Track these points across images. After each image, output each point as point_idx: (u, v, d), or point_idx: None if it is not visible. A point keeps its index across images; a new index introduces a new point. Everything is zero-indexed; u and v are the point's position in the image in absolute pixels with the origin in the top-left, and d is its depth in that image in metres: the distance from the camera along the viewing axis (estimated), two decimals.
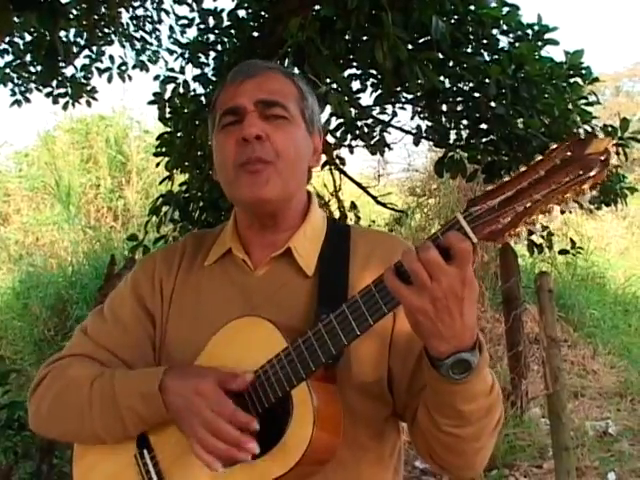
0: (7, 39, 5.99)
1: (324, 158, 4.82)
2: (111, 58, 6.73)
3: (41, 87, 6.52)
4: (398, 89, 4.40)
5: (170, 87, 4.80)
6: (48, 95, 6.52)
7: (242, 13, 4.79)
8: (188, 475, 1.69)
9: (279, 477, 1.57)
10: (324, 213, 1.97)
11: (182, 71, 4.86)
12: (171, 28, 6.64)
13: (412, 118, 4.76)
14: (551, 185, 1.33)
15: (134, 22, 6.90)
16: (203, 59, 4.82)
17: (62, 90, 6.47)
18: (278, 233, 1.84)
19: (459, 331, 1.44)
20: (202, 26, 5.08)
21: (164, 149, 4.95)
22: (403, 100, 4.65)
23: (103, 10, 6.08)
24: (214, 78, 4.70)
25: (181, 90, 4.78)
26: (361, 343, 1.63)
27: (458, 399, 1.53)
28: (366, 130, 4.96)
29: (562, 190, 1.33)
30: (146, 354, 1.89)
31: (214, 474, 1.62)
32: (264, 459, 1.59)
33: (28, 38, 6.07)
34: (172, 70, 4.95)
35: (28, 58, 6.30)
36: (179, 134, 4.79)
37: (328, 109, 4.06)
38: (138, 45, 6.94)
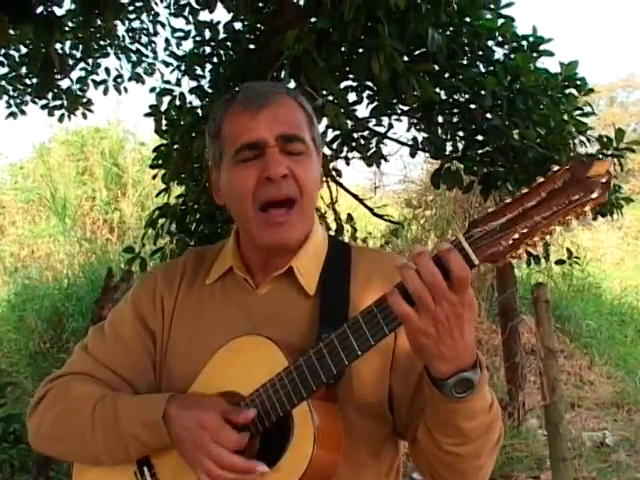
0: (3, 51, 6.00)
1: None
2: (107, 70, 6.75)
3: (37, 99, 6.54)
4: (394, 101, 4.41)
5: (166, 99, 4.80)
6: (44, 107, 6.53)
7: (238, 25, 4.80)
8: None
9: None
10: (325, 231, 1.96)
11: (178, 83, 4.85)
12: (167, 40, 6.66)
13: (408, 130, 4.78)
14: (552, 207, 1.34)
15: (130, 34, 6.91)
16: (199, 71, 4.82)
17: (58, 102, 6.48)
18: (282, 256, 1.81)
19: (461, 351, 1.46)
20: (198, 38, 5.09)
21: (160, 161, 4.94)
22: (399, 112, 4.66)
23: (99, 22, 6.08)
24: (210, 90, 4.70)
25: (177, 102, 4.78)
26: (362, 362, 1.62)
27: (459, 417, 1.54)
28: (362, 142, 4.97)
29: (563, 212, 1.34)
30: (146, 372, 1.89)
31: None
32: (265, 477, 1.59)
33: (24, 50, 6.08)
34: (168, 82, 4.96)
35: (24, 70, 6.31)
36: (175, 146, 4.78)
37: (324, 121, 4.06)
38: (134, 57, 6.96)
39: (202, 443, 1.60)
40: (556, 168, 1.37)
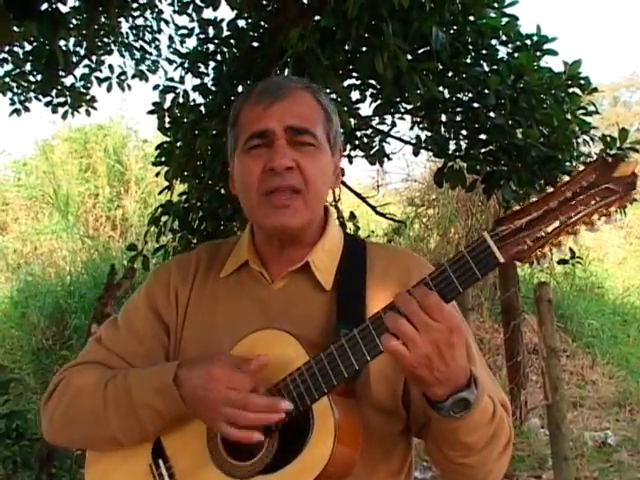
0: (7, 48, 6.00)
1: None
2: (110, 68, 6.74)
3: (40, 96, 6.53)
4: (397, 99, 4.41)
5: (169, 97, 4.81)
6: (47, 104, 6.53)
7: (242, 23, 4.79)
8: None
9: None
10: (341, 228, 1.97)
11: (182, 81, 4.86)
12: (171, 38, 6.66)
13: (411, 128, 4.77)
14: (577, 207, 1.35)
15: (134, 32, 6.91)
16: (203, 69, 4.82)
17: (61, 99, 6.48)
18: (297, 249, 1.82)
19: (454, 374, 1.49)
20: (202, 36, 5.09)
21: (163, 159, 4.94)
22: (402, 110, 4.65)
23: (103, 20, 6.08)
24: (214, 88, 4.70)
25: (180, 100, 4.78)
26: (376, 360, 1.62)
27: (461, 433, 1.57)
28: (365, 140, 4.97)
29: (589, 212, 1.35)
30: (159, 363, 1.88)
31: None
32: (283, 472, 1.59)
33: (28, 47, 6.07)
34: (172, 80, 4.96)
35: (28, 67, 6.30)
36: (178, 144, 4.78)
37: None
38: (138, 55, 6.95)
39: (217, 393, 1.60)
40: (582, 167, 1.37)
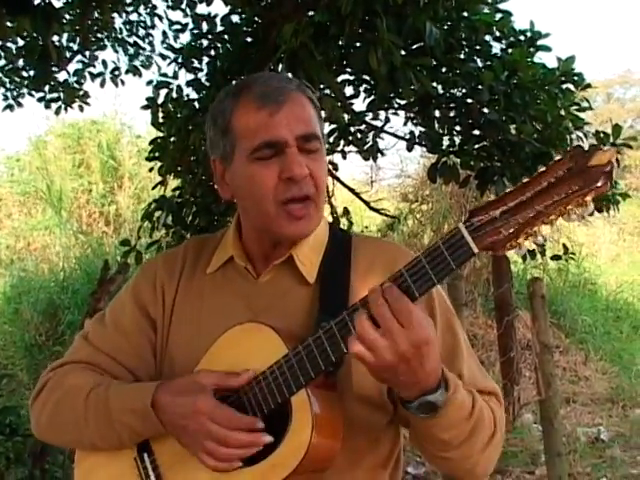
0: (0, 43, 5.98)
1: None
2: (104, 63, 6.72)
3: (33, 92, 6.51)
4: (391, 95, 4.40)
5: (163, 92, 4.81)
6: (40, 100, 6.51)
7: (236, 18, 4.78)
8: (186, 476, 1.70)
9: None
10: (326, 220, 1.96)
11: (175, 76, 4.85)
12: (164, 33, 6.64)
13: (405, 124, 4.76)
14: (553, 197, 1.33)
15: (127, 27, 6.88)
16: (196, 64, 4.81)
17: (54, 95, 6.46)
18: (285, 246, 1.83)
19: (421, 379, 1.50)
20: (195, 31, 5.07)
21: (157, 154, 4.94)
22: (396, 106, 4.65)
23: (96, 15, 6.07)
24: (207, 83, 4.69)
25: (174, 95, 4.77)
26: None
27: (436, 430, 1.59)
28: (359, 136, 4.96)
29: (565, 202, 1.33)
30: (147, 360, 1.90)
31: (208, 478, 1.64)
32: (261, 465, 1.60)
33: (21, 43, 6.05)
34: (165, 75, 4.94)
35: (21, 63, 6.28)
36: (172, 139, 4.78)
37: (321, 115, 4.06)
38: (131, 50, 6.93)
39: (201, 426, 1.61)
40: (557, 157, 1.36)
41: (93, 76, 6.63)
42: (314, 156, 1.76)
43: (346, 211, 5.57)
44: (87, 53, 6.57)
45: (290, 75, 1.96)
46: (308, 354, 1.58)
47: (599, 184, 1.30)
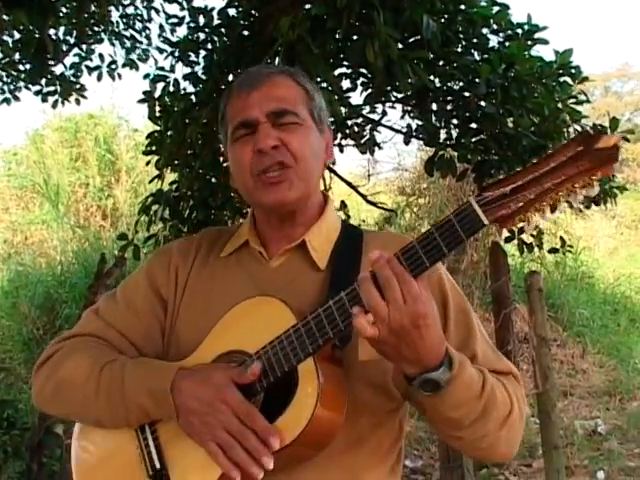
0: None
1: None
2: (101, 56, 6.71)
3: (30, 85, 6.50)
4: (388, 88, 4.39)
5: (160, 86, 4.79)
6: (37, 93, 6.50)
7: (232, 12, 4.77)
8: (186, 451, 1.70)
9: (276, 452, 1.58)
10: (338, 215, 2.03)
11: (172, 70, 4.84)
12: (161, 26, 6.63)
13: (402, 117, 4.76)
14: (561, 176, 1.39)
15: (124, 20, 6.87)
16: (193, 57, 4.80)
17: (51, 88, 6.45)
18: (295, 227, 1.88)
19: (423, 355, 1.50)
20: (192, 24, 5.06)
21: (154, 148, 4.93)
22: (393, 99, 4.64)
23: (93, 8, 6.06)
24: (204, 77, 4.68)
25: (171, 89, 4.77)
26: None
27: (443, 409, 1.59)
28: (356, 129, 4.96)
29: (572, 180, 1.38)
30: (155, 339, 1.92)
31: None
32: None
33: (17, 36, 6.04)
34: (162, 69, 4.93)
35: (17, 56, 6.27)
36: (169, 133, 4.77)
37: None
38: (128, 43, 6.92)
39: (223, 417, 1.62)
40: (565, 141, 1.42)
41: (90, 69, 6.62)
42: (290, 128, 1.80)
43: (343, 204, 5.56)
44: (84, 46, 6.56)
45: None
46: (317, 323, 1.59)
47: (606, 164, 1.36)
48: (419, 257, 1.48)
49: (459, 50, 4.25)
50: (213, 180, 4.81)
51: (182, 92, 4.76)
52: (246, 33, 4.59)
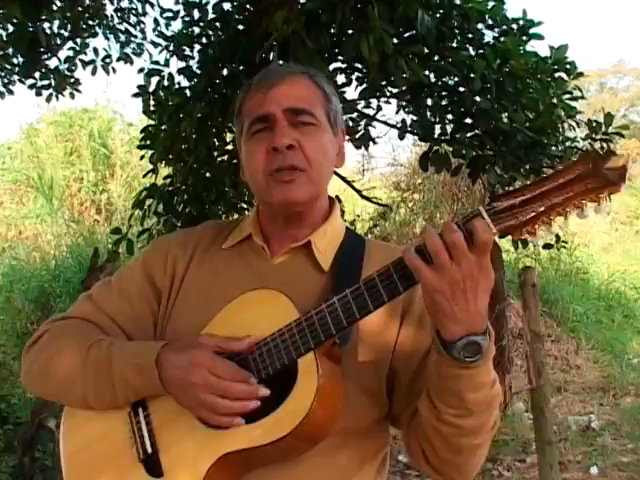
0: None
1: None
2: (95, 50, 6.67)
3: (24, 79, 6.47)
4: (383, 83, 4.38)
5: (154, 80, 4.78)
6: (31, 87, 6.47)
7: (227, 6, 4.75)
8: (179, 437, 1.71)
9: (270, 443, 1.59)
10: (344, 223, 2.05)
11: (167, 64, 4.83)
12: (156, 21, 6.58)
13: (397, 112, 4.74)
14: (569, 192, 1.41)
15: (118, 14, 6.84)
16: (188, 52, 4.79)
17: (45, 82, 6.42)
18: (300, 228, 1.89)
19: (472, 314, 1.50)
20: (187, 19, 5.04)
21: (148, 142, 4.92)
22: (388, 94, 4.63)
23: (87, 2, 6.04)
24: (199, 71, 4.67)
25: (165, 83, 4.75)
26: (367, 338, 1.71)
27: (463, 386, 1.57)
28: (351, 124, 4.94)
29: (580, 197, 1.41)
30: (146, 329, 1.93)
31: (203, 436, 1.67)
32: (259, 423, 1.62)
33: (11, 29, 6.01)
34: (157, 63, 4.91)
35: (11, 50, 6.24)
36: (163, 127, 4.76)
37: None
38: (122, 37, 6.88)
39: (198, 378, 1.63)
40: (575, 159, 1.45)
41: (84, 63, 6.59)
42: (306, 130, 1.81)
43: (338, 199, 5.55)
44: (78, 40, 6.52)
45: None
46: (320, 318, 1.61)
47: (613, 184, 1.40)
48: (428, 259, 1.48)
49: (454, 45, 4.24)
50: (207, 175, 4.81)
51: (176, 86, 4.75)
52: (241, 27, 4.58)
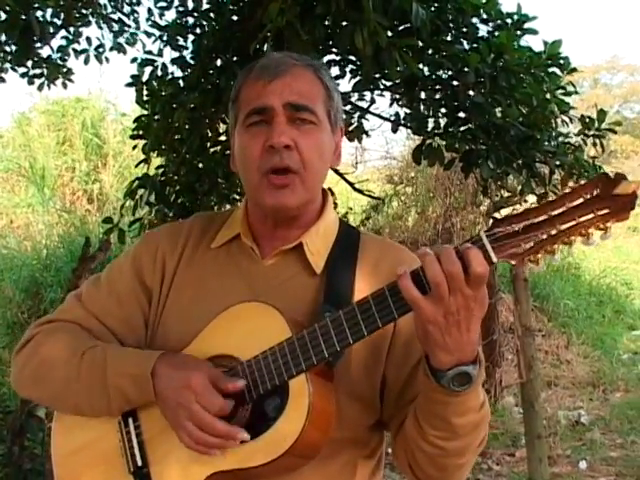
0: None
1: None
2: (88, 40, 6.63)
3: (16, 67, 6.44)
4: (377, 76, 4.38)
5: (148, 70, 4.77)
6: (23, 75, 6.43)
7: None
8: (170, 451, 1.69)
9: (262, 465, 1.57)
10: (337, 215, 2.00)
11: (160, 54, 4.82)
12: (149, 10, 6.53)
13: (391, 105, 4.74)
14: (575, 218, 1.37)
15: (112, 3, 6.78)
16: (181, 42, 4.77)
17: (38, 71, 6.38)
18: (291, 229, 1.85)
19: (464, 345, 1.48)
20: (181, 9, 5.03)
21: (141, 132, 4.91)
22: (382, 87, 4.63)
23: None
24: (192, 61, 4.66)
25: (159, 73, 4.74)
26: (359, 347, 1.65)
27: (450, 411, 1.56)
28: (344, 116, 4.94)
29: (586, 224, 1.37)
30: (137, 328, 1.90)
31: (195, 452, 1.63)
32: (251, 444, 1.60)
33: (3, 17, 5.98)
34: (150, 53, 4.90)
35: (3, 37, 6.21)
36: (156, 117, 4.75)
37: None
38: (116, 27, 6.84)
39: (185, 403, 1.61)
40: (584, 182, 1.39)
41: (77, 53, 6.56)
42: (305, 129, 1.77)
43: (331, 192, 5.55)
44: (71, 29, 6.48)
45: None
46: (312, 340, 1.58)
47: (622, 212, 1.35)
48: (424, 284, 1.45)
49: (448, 39, 4.23)
50: (200, 165, 4.80)
51: (170, 76, 4.74)
52: (235, 18, 4.56)
